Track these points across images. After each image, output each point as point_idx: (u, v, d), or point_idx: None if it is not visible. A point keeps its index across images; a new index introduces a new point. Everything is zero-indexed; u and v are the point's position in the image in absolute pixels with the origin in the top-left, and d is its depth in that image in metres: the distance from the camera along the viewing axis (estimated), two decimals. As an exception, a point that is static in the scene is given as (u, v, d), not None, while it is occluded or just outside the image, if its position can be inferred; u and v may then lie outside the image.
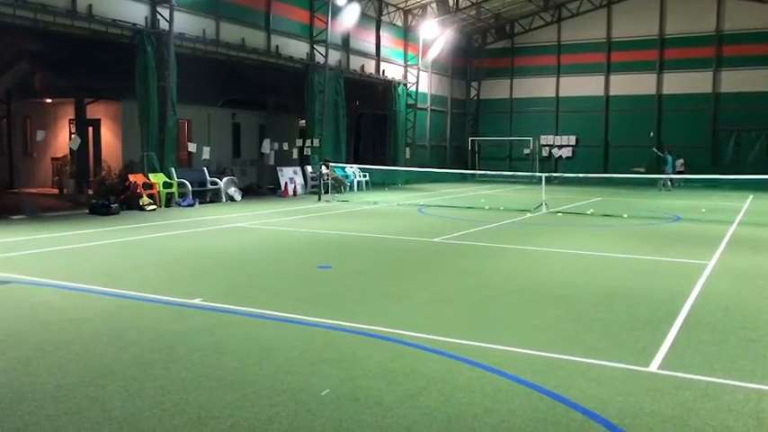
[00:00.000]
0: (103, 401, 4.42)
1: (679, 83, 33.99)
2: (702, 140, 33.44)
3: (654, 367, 5.23)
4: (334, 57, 26.84)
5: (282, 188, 23.38)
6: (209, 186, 20.47)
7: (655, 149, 29.28)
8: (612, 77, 35.75)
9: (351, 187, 25.62)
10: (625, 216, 16.95)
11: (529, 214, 17.30)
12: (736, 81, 32.74)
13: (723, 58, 33.11)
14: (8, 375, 4.90)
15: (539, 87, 37.48)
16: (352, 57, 28.53)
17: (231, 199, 20.68)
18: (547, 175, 21.61)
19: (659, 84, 34.65)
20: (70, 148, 20.17)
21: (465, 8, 33.09)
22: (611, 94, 35.81)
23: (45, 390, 4.61)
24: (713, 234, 13.55)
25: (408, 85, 32.49)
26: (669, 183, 28.28)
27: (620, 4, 35.39)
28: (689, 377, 5.01)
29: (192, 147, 21.50)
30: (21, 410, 4.26)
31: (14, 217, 14.78)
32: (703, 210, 18.77)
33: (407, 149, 32.38)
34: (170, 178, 18.99)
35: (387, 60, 31.06)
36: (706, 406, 4.47)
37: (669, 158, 28.92)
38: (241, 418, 4.19)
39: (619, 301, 7.53)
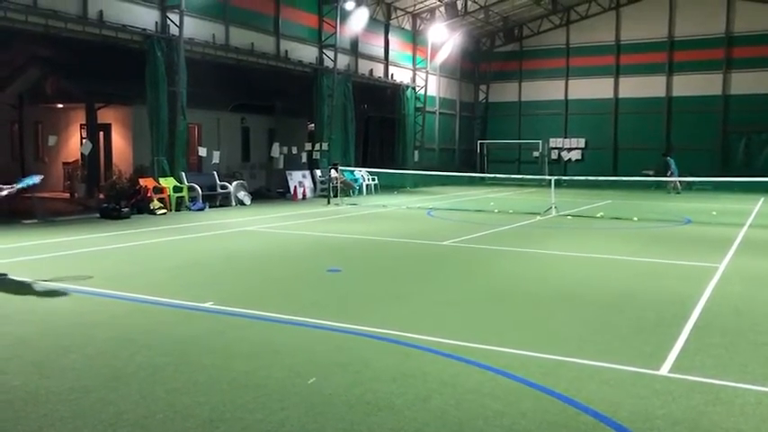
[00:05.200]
0: (116, 404, 4.46)
1: (689, 85, 33.84)
2: (712, 142, 33.28)
3: (664, 370, 5.22)
4: (343, 61, 26.91)
5: (292, 192, 23.44)
6: (219, 190, 20.55)
7: (670, 158, 29.19)
8: (622, 80, 35.63)
9: (359, 191, 25.65)
10: (635, 219, 16.90)
11: (538, 217, 17.27)
12: (746, 83, 32.56)
13: (733, 60, 32.95)
14: (23, 378, 4.95)
15: (547, 90, 37.42)
16: (360, 61, 28.60)
17: (241, 203, 20.76)
18: (556, 177, 21.57)
19: (669, 86, 34.52)
20: (81, 153, 20.31)
21: (473, 12, 33.09)
22: (621, 96, 35.69)
23: (59, 392, 4.66)
24: (724, 237, 13.48)
25: (417, 89, 32.53)
26: (678, 185, 28.16)
27: (628, 6, 35.30)
28: (700, 380, 5.00)
29: (202, 151, 21.60)
30: (35, 413, 4.31)
31: (26, 221, 14.89)
32: (714, 212, 18.67)
33: (416, 152, 32.39)
34: (180, 182, 19.09)
35: (395, 64, 31.10)
36: (717, 409, 4.46)
37: (672, 161, 28.81)
38: (252, 420, 4.21)
39: (629, 304, 7.51)
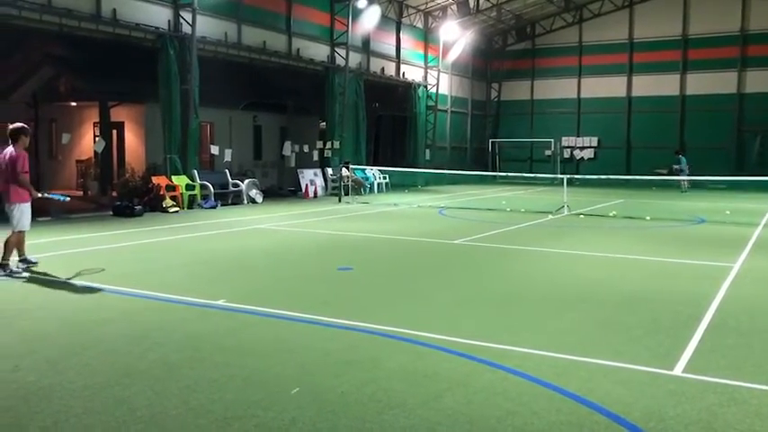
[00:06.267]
0: (130, 401, 4.48)
1: (703, 83, 33.60)
2: (726, 141, 33.03)
3: (678, 370, 5.19)
4: (355, 59, 26.92)
5: (303, 190, 23.49)
6: (231, 188, 20.63)
7: (680, 156, 29.10)
8: (635, 78, 35.43)
9: (371, 189, 25.66)
10: (648, 218, 16.79)
11: (550, 216, 17.21)
12: (761, 81, 32.28)
13: (748, 58, 32.68)
14: (37, 374, 4.99)
15: (560, 88, 37.26)
16: (372, 59, 28.60)
17: (253, 201, 20.82)
18: (568, 176, 21.47)
19: (682, 84, 34.30)
20: (94, 151, 20.45)
21: (485, 10, 33.01)
22: (634, 95, 35.50)
23: (73, 389, 4.69)
24: (738, 236, 13.37)
25: (428, 87, 32.49)
26: (686, 184, 28.01)
27: (642, 4, 35.07)
28: (714, 381, 4.96)
29: (214, 149, 21.70)
30: (50, 409, 4.34)
31: (40, 219, 14.98)
32: (728, 212, 18.52)
33: (427, 151, 32.37)
34: (192, 180, 19.18)
35: (407, 62, 31.08)
36: (732, 410, 4.43)
37: (683, 159, 28.63)
38: (265, 418, 4.23)
39: (642, 303, 7.47)
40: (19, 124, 9.14)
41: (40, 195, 9.42)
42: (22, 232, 9.11)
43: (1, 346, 5.70)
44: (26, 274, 8.84)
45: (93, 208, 17.80)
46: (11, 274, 8.73)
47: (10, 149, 8.96)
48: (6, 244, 9.00)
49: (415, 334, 6.09)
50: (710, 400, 4.58)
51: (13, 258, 9.10)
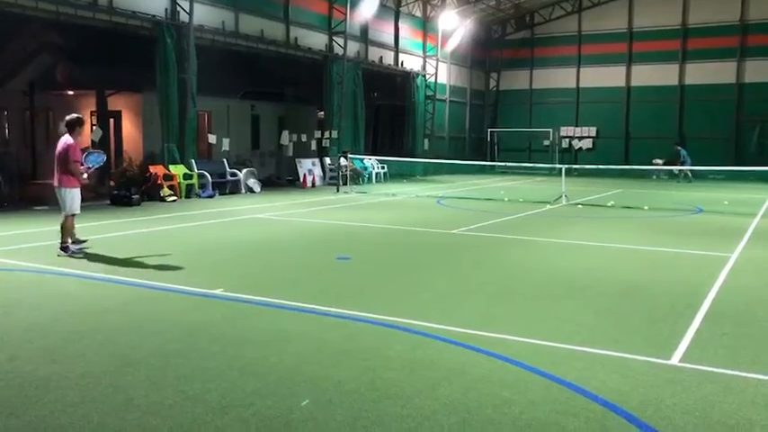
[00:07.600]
0: (127, 390, 4.48)
1: (702, 73, 33.45)
2: (726, 132, 32.95)
3: (675, 360, 5.19)
4: (353, 48, 26.79)
5: (301, 180, 23.45)
6: (229, 178, 20.59)
7: (678, 148, 29.17)
8: (634, 68, 35.27)
9: (369, 179, 25.63)
10: (646, 208, 16.80)
11: (548, 206, 17.20)
12: (760, 71, 32.14)
13: (747, 48, 32.54)
14: (34, 364, 4.98)
15: (559, 78, 37.09)
16: (370, 48, 28.46)
17: (250, 190, 20.79)
18: (567, 166, 21.45)
19: (682, 74, 34.16)
20: (92, 140, 20.36)
21: (484, -2, 32.85)
22: (633, 84, 35.34)
23: (70, 378, 4.69)
24: (736, 226, 13.39)
25: (427, 76, 32.35)
26: (690, 174, 28.04)
27: (641, -7, 34.92)
28: (711, 370, 4.97)
29: (211, 138, 21.63)
30: (47, 398, 4.34)
31: (37, 208, 14.98)
32: (726, 202, 18.54)
33: (426, 141, 32.28)
34: (190, 170, 19.13)
35: (405, 51, 30.93)
36: (729, 399, 4.43)
37: (683, 152, 28.67)
38: (262, 406, 4.23)
39: (640, 293, 7.47)
40: (75, 115, 9.87)
41: (86, 177, 9.93)
42: (73, 215, 9.71)
43: (-2, 336, 5.70)
44: (80, 253, 9.51)
45: (91, 197, 17.71)
46: (72, 255, 9.36)
47: (66, 138, 9.58)
48: (62, 228, 9.59)
49: (412, 323, 6.09)
50: (707, 390, 4.58)
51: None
